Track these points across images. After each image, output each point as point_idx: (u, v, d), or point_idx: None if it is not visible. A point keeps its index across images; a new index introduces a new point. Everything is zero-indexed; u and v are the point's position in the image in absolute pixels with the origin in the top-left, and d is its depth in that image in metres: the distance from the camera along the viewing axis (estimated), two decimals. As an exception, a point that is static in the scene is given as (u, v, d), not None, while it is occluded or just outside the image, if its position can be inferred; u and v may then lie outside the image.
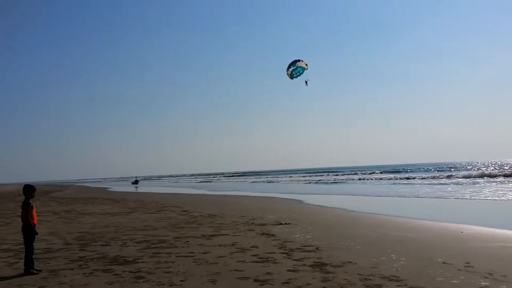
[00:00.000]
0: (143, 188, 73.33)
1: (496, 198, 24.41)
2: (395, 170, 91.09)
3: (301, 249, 10.51)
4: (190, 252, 10.39)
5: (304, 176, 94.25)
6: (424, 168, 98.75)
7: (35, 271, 8.53)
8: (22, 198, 8.92)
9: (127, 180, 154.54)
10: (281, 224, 15.55)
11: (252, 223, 16.10)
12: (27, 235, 8.62)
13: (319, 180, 66.70)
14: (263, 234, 13.23)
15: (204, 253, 10.28)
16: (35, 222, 8.69)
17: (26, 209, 8.60)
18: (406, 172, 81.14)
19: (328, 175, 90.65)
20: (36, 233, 8.74)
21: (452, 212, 19.49)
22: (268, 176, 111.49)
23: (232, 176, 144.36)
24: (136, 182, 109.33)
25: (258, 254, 9.88)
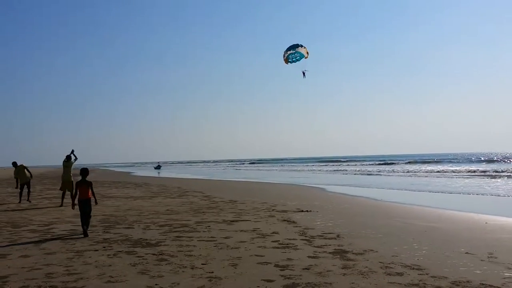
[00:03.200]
0: (165, 173, 74.03)
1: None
2: (422, 160, 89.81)
3: (322, 236, 10.51)
4: (211, 237, 10.49)
5: (325, 165, 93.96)
6: (457, 159, 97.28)
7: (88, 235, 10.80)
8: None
9: (150, 165, 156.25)
10: (302, 211, 15.55)
11: (273, 209, 16.15)
12: (90, 206, 11.15)
13: (345, 170, 66.20)
14: (284, 220, 13.26)
15: (225, 238, 10.37)
16: (89, 196, 11.18)
17: (90, 186, 11.29)
18: (434, 162, 79.93)
19: (355, 164, 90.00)
20: (96, 203, 11.86)
21: (477, 203, 19.19)
22: (286, 164, 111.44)
23: (252, 163, 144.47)
24: (158, 167, 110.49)
25: (279, 240, 9.92)
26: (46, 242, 10.01)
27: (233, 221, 13.27)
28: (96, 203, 11.80)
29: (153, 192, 26.00)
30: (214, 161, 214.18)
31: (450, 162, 77.85)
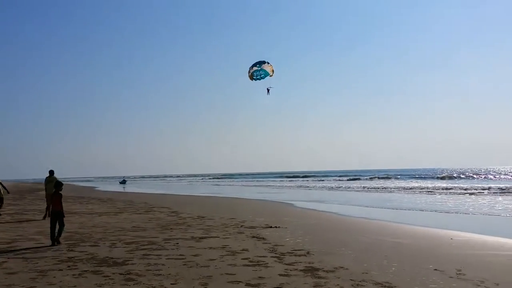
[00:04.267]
0: (131, 188, 72.85)
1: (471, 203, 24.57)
2: (386, 175, 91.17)
3: (292, 253, 10.45)
4: (180, 255, 10.28)
5: (291, 180, 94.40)
6: (416, 174, 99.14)
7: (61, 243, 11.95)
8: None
9: (115, 180, 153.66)
10: (271, 227, 15.47)
11: (242, 225, 16.02)
12: (62, 217, 12.24)
13: (314, 186, 66.60)
14: (253, 237, 13.15)
15: (195, 255, 10.18)
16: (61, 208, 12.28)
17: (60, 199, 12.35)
18: (397, 178, 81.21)
19: (323, 180, 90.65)
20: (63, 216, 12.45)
21: (441, 219, 19.53)
22: (255, 179, 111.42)
23: (220, 178, 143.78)
24: (124, 182, 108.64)
25: (249, 258, 9.80)
26: (8, 261, 9.61)
27: (201, 238, 13.07)
28: (63, 216, 12.44)
29: (118, 208, 25.48)
30: (182, 176, 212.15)
31: (414, 177, 79.28)
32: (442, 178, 72.27)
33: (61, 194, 12.53)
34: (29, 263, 9.42)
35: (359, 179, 78.75)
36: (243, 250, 10.85)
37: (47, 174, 19.09)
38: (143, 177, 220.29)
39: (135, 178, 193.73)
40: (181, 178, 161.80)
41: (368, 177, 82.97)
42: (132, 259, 9.81)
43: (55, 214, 12.24)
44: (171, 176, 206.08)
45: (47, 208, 18.83)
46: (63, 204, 12.48)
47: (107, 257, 10.10)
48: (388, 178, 79.04)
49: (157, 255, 10.28)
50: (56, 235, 12.01)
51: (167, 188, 66.93)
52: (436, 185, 49.07)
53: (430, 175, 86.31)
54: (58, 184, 12.70)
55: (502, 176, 71.36)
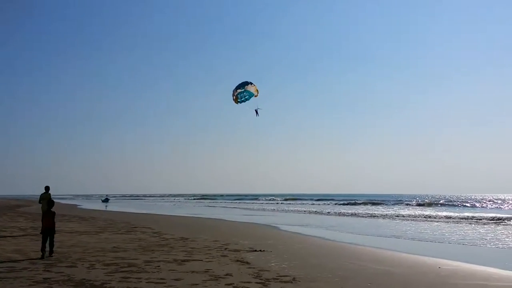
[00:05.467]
0: (113, 207, 71.74)
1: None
2: (370, 201, 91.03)
3: (277, 279, 10.12)
4: (161, 278, 9.90)
5: (277, 203, 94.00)
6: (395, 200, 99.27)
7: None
8: None
9: (98, 198, 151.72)
10: (255, 251, 15.12)
11: (226, 248, 15.64)
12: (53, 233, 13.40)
13: (297, 210, 66.28)
14: (237, 261, 12.79)
15: (176, 279, 9.80)
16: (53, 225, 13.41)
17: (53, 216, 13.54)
18: (381, 204, 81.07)
19: (306, 203, 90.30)
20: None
21: (428, 246, 19.33)
22: (238, 201, 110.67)
23: (205, 198, 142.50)
24: (106, 200, 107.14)
25: (233, 283, 9.45)
26: (-22, 282, 9.16)
27: (184, 260, 12.68)
28: (55, 232, 13.58)
29: (99, 227, 24.90)
30: (167, 195, 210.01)
31: (394, 204, 79.29)
32: (422, 205, 72.33)
33: (54, 212, 13.57)
34: (4, 284, 8.98)
35: (354, 203, 78.18)
36: (227, 274, 10.49)
37: (43, 191, 18.78)
38: (126, 196, 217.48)
39: (117, 196, 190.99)
40: (165, 198, 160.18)
41: (354, 202, 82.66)
42: (111, 281, 9.41)
43: (47, 230, 13.15)
44: (155, 196, 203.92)
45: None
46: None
47: (84, 279, 9.69)
48: (375, 204, 78.68)
49: (137, 278, 9.89)
50: (48, 249, 13.10)
51: (151, 208, 66.09)
52: (418, 212, 48.99)
53: (408, 201, 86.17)
54: (51, 203, 13.68)
55: (483, 205, 71.61)
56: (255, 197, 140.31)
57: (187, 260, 12.70)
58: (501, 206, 65.42)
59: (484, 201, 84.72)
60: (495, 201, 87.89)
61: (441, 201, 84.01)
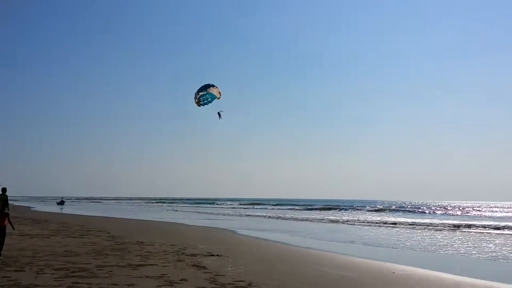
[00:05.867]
0: (69, 209, 69.88)
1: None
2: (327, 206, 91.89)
3: (233, 284, 9.96)
4: (113, 284, 9.56)
5: (240, 207, 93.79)
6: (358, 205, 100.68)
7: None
8: None
9: (53, 200, 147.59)
10: (213, 255, 14.90)
11: (183, 253, 15.35)
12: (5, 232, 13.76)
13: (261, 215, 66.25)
14: (193, 265, 12.55)
15: (129, 285, 9.49)
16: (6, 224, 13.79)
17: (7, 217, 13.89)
18: (337, 209, 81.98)
19: (266, 208, 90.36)
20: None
21: (383, 252, 19.58)
22: (200, 205, 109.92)
23: (165, 202, 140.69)
24: (62, 202, 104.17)
25: (188, 289, 9.23)
26: None
27: (138, 265, 12.33)
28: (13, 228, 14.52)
29: (52, 230, 24.09)
30: (125, 199, 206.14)
31: (351, 209, 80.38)
32: (378, 210, 73.56)
33: (8, 214, 14.02)
34: None
35: (313, 208, 78.54)
36: (182, 280, 10.25)
37: None
38: (82, 198, 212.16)
39: (73, 199, 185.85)
40: (124, 201, 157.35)
41: (312, 207, 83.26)
42: (59, 287, 9.02)
43: (1, 230, 13.54)
44: (112, 199, 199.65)
45: None
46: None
47: (32, 284, 9.27)
48: (332, 209, 79.48)
49: (87, 283, 9.53)
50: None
51: (108, 211, 64.65)
52: (373, 217, 49.77)
53: (364, 207, 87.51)
54: (5, 204, 15.35)
55: (438, 211, 73.43)
56: (214, 201, 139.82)
57: (142, 265, 12.37)
58: (456, 213, 67.15)
59: (439, 208, 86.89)
60: (449, 207, 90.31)
61: (393, 207, 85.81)
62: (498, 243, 22.33)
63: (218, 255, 15.02)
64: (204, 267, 12.28)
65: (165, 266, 12.33)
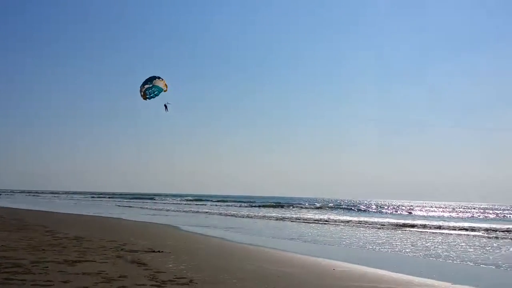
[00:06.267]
0: (5, 202, 67.05)
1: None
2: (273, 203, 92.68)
3: (173, 281, 9.87)
4: (48, 281, 9.25)
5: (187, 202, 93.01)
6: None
7: None
8: None
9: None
10: (154, 251, 14.70)
11: (122, 249, 15.05)
12: None
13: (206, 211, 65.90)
14: (133, 262, 12.34)
15: (65, 282, 9.21)
16: None
17: None
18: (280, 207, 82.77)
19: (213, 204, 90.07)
20: None
21: (324, 249, 20.00)
22: (142, 200, 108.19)
23: (102, 197, 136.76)
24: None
25: (126, 286, 9.06)
26: None
27: (75, 261, 11.98)
28: None
29: (-15, 224, 23.04)
30: (65, 193, 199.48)
31: (302, 207, 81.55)
32: (319, 208, 75.02)
33: None
34: None
35: (255, 205, 78.63)
36: (120, 277, 10.05)
37: None
38: (20, 191, 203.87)
39: (8, 192, 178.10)
40: (63, 195, 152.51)
41: (255, 204, 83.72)
42: (-11, 284, 8.64)
43: None
44: (51, 192, 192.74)
45: None
46: None
47: (-41, 281, 8.82)
48: (274, 206, 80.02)
49: (21, 280, 9.17)
50: None
51: (46, 205, 62.51)
52: (314, 215, 50.76)
53: (303, 204, 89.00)
54: None
55: (379, 209, 75.77)
56: (155, 196, 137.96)
57: (79, 261, 12.03)
58: (397, 211, 69.45)
59: (381, 206, 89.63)
60: (390, 206, 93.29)
61: (330, 204, 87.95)
62: (436, 241, 23.32)
63: (159, 251, 14.84)
64: (144, 264, 12.10)
65: (104, 262, 12.05)
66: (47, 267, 10.86)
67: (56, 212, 41.74)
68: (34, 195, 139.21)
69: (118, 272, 10.64)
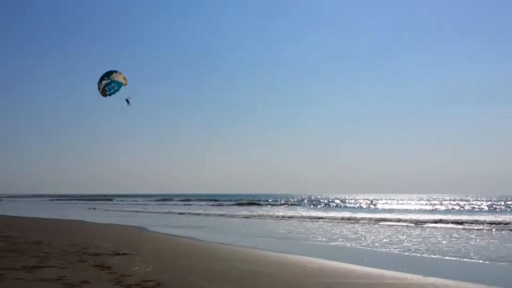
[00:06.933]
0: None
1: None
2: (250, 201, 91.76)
3: (140, 284, 9.33)
4: (3, 289, 8.59)
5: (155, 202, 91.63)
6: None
7: None
8: None
9: None
10: (119, 254, 14.05)
11: (85, 252, 14.33)
12: None
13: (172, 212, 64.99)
14: (96, 266, 11.69)
15: (22, 290, 8.57)
16: None
17: None
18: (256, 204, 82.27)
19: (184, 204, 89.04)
20: None
21: (294, 246, 19.75)
22: (100, 201, 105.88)
23: (60, 199, 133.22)
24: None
25: (89, 291, 8.49)
26: None
27: (34, 267, 11.26)
28: None
29: None
30: (21, 196, 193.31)
31: (270, 204, 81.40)
32: (283, 204, 75.09)
33: None
34: None
35: (223, 204, 77.69)
36: (82, 282, 9.43)
37: None
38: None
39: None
40: (19, 198, 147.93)
41: (223, 203, 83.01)
42: None
43: None
44: (6, 196, 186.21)
45: None
46: None
47: None
48: (243, 204, 79.45)
49: (-28, 290, 8.47)
50: None
51: (4, 209, 60.28)
52: (285, 212, 50.75)
53: (270, 201, 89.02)
54: None
55: (347, 205, 76.44)
56: (122, 197, 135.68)
57: (38, 267, 11.31)
58: (364, 206, 70.14)
59: (350, 201, 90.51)
60: (359, 200, 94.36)
61: (305, 201, 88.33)
62: (412, 235, 23.42)
63: (124, 253, 14.19)
64: (108, 267, 11.47)
65: (65, 267, 11.36)
66: (3, 274, 10.12)
67: (13, 216, 40.18)
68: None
69: (80, 277, 10.00)
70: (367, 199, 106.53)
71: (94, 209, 63.55)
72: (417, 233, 24.45)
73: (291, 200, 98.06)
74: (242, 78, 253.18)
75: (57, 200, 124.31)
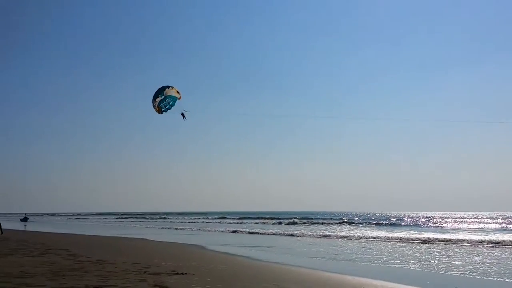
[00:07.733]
0: (33, 226, 67.71)
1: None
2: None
3: (196, 305, 9.43)
4: (66, 308, 8.91)
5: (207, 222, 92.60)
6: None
7: None
8: None
9: (16, 216, 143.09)
10: (177, 273, 14.27)
11: (145, 271, 14.66)
12: None
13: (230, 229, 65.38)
14: (155, 285, 11.91)
15: (83, 309, 8.85)
16: None
17: None
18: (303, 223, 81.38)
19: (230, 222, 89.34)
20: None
21: (354, 266, 19.32)
22: (167, 219, 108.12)
23: (130, 217, 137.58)
24: (25, 219, 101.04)
25: (147, 312, 8.66)
26: None
27: (97, 286, 11.63)
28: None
29: (9, 249, 22.95)
30: (90, 214, 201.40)
31: (317, 223, 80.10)
32: (352, 223, 73.23)
33: None
34: None
35: (282, 222, 77.06)
36: (141, 302, 9.65)
37: None
38: (49, 214, 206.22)
39: (38, 215, 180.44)
40: (87, 216, 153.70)
41: (281, 221, 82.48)
42: (6, 314, 8.32)
43: None
44: (77, 214, 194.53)
45: None
46: None
47: (-24, 311, 8.52)
48: (297, 223, 78.26)
49: (38, 309, 8.84)
50: None
51: (71, 227, 62.87)
52: (345, 232, 49.74)
53: (323, 219, 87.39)
54: None
55: (415, 223, 73.61)
56: (179, 215, 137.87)
57: (101, 286, 11.67)
58: (430, 225, 67.43)
59: (416, 220, 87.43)
60: (426, 219, 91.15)
61: (356, 219, 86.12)
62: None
63: (183, 273, 14.42)
64: (167, 287, 11.69)
65: (126, 287, 11.68)
66: (67, 293, 10.52)
67: (80, 235, 41.79)
68: (61, 218, 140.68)
69: (139, 297, 10.24)
70: (427, 216, 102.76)
71: (159, 228, 64.94)
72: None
73: (356, 218, 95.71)
74: (300, 97, 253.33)
75: (118, 218, 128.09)
